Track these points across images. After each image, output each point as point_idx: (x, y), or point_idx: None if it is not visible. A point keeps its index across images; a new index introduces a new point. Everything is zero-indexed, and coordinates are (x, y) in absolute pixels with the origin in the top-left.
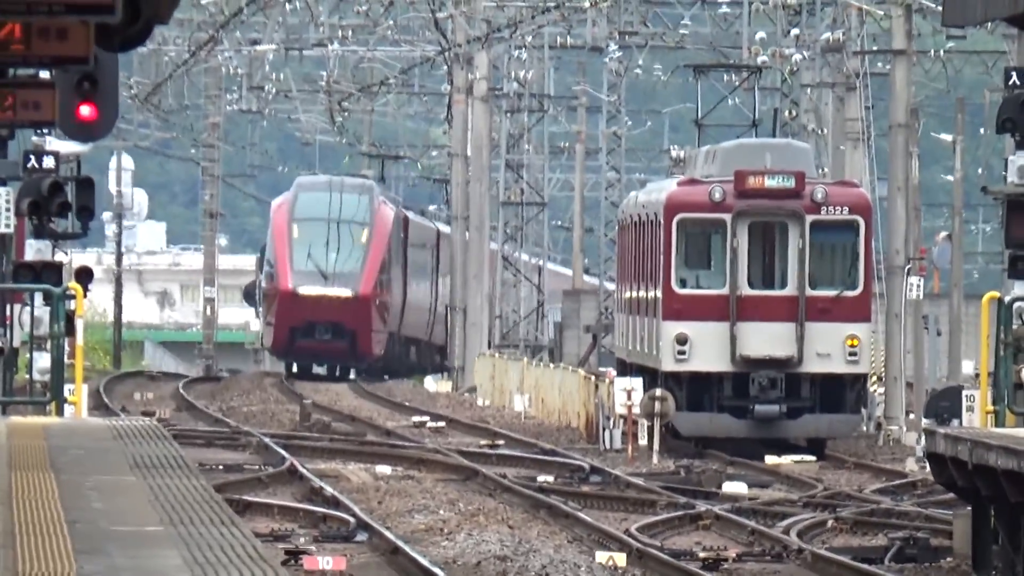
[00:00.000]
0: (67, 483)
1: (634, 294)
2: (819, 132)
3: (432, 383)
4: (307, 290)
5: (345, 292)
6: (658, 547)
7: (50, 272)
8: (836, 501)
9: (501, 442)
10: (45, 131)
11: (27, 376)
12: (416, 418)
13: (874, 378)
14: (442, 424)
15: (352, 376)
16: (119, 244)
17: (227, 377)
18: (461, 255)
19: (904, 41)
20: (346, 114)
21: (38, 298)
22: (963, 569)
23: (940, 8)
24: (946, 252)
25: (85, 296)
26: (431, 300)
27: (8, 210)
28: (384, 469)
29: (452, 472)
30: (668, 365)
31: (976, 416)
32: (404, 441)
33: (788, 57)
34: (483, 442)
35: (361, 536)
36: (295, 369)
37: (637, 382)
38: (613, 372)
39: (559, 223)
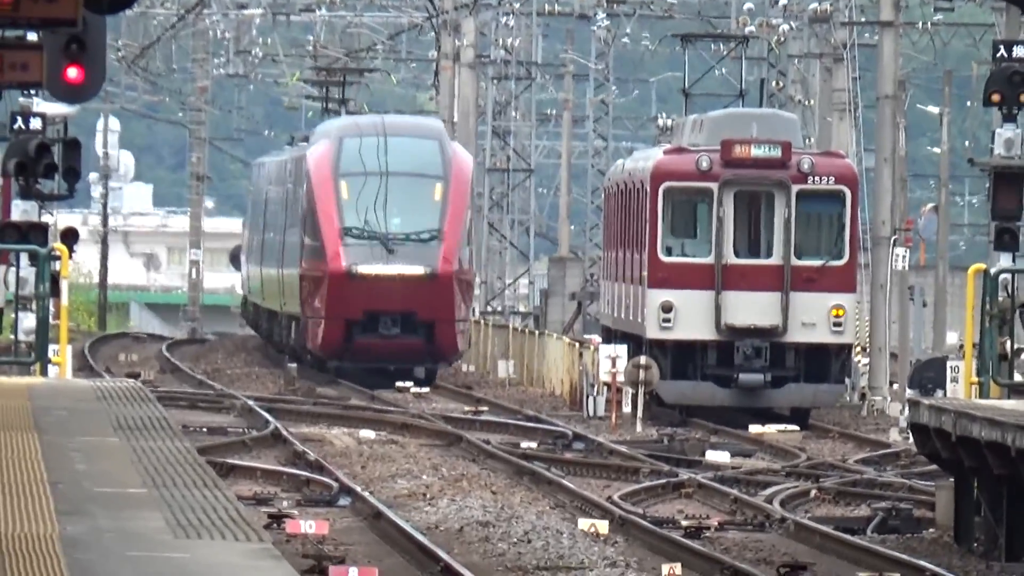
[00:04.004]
0: (50, 444)
1: (620, 262)
2: (806, 103)
3: None
4: (367, 269)
5: (418, 270)
6: (640, 515)
7: (36, 233)
8: (819, 471)
9: (485, 408)
10: (32, 92)
11: (12, 336)
12: (400, 383)
13: (858, 348)
14: (426, 390)
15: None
16: (105, 206)
17: (212, 340)
18: None
19: (892, 12)
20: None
21: (24, 258)
22: (945, 540)
23: None
24: (932, 223)
25: (71, 257)
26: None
27: None
28: (368, 434)
29: (436, 438)
30: (653, 333)
31: (960, 387)
32: (388, 406)
33: (775, 27)
34: (467, 408)
35: (344, 501)
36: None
37: (622, 349)
38: (598, 339)
39: (545, 190)
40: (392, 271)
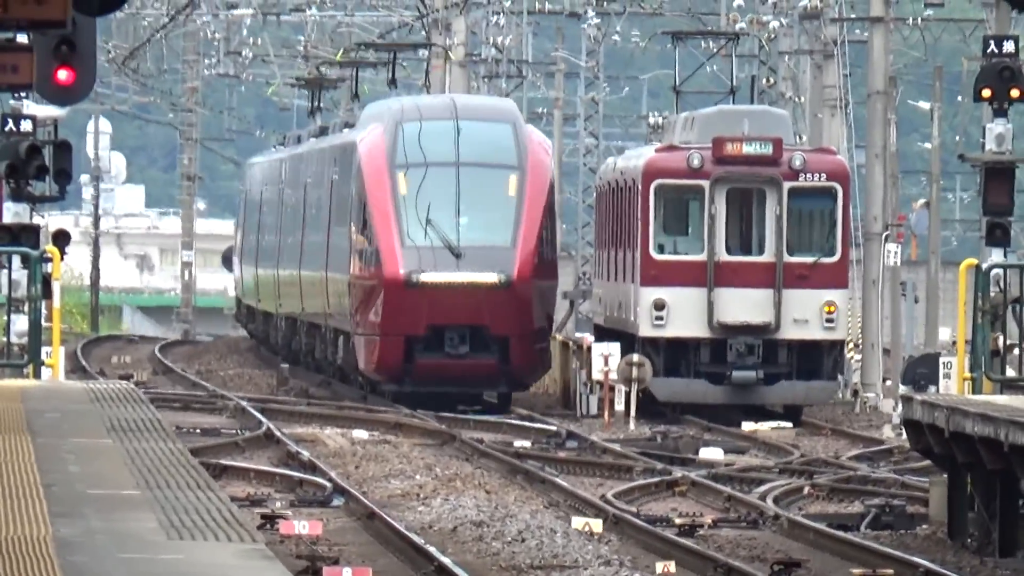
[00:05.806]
0: (44, 446)
1: (612, 260)
2: (796, 99)
3: None
4: (430, 277)
5: (490, 278)
6: (634, 513)
7: (28, 235)
8: (812, 468)
9: (478, 407)
10: (23, 94)
11: (4, 339)
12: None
13: (851, 345)
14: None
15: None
16: (96, 207)
17: (205, 341)
18: None
19: (882, 8)
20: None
21: (16, 261)
22: (939, 536)
23: None
24: (924, 219)
25: (62, 259)
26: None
27: None
28: (361, 434)
29: (429, 437)
30: (645, 331)
31: (953, 383)
32: (381, 406)
33: (766, 24)
34: (460, 407)
35: (337, 501)
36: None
37: (614, 347)
38: (590, 338)
39: None
40: (459, 279)
